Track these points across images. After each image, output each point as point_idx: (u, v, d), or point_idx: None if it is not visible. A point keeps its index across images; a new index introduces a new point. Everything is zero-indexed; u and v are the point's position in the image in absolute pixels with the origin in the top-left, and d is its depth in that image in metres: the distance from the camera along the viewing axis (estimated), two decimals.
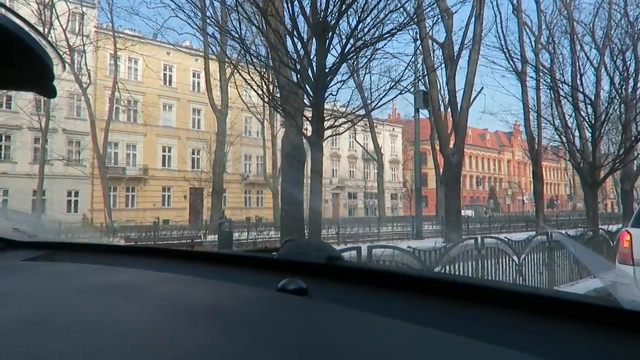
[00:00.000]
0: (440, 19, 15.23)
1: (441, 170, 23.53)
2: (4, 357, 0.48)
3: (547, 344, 0.62)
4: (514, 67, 21.41)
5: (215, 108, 25.18)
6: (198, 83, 32.99)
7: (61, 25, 22.91)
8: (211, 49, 20.87)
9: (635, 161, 21.84)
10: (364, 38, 9.14)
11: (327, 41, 8.59)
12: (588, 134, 17.37)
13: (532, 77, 21.22)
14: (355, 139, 39.09)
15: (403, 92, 11.47)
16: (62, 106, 26.40)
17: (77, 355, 0.50)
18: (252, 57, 9.83)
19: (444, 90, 21.26)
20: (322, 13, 8.49)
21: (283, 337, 0.58)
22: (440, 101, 20.66)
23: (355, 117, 10.84)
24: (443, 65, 18.83)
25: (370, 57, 12.33)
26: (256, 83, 9.51)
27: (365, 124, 29.63)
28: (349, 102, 11.99)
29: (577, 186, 49.42)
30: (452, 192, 18.41)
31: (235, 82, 14.36)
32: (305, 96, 9.05)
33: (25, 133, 26.18)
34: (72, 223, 22.88)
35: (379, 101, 10.79)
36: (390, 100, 16.44)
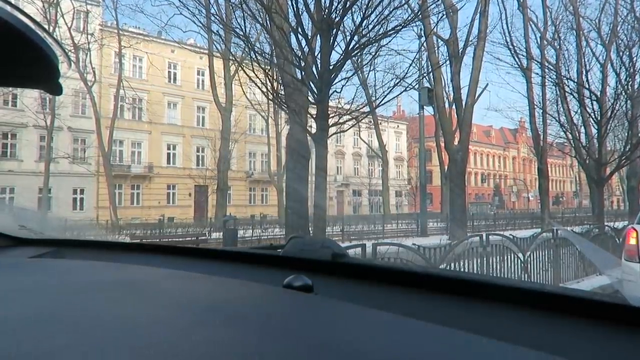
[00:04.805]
0: (444, 16, 15.16)
1: (446, 167, 23.45)
2: (12, 353, 0.49)
3: (552, 340, 0.61)
4: (519, 63, 21.30)
5: (220, 106, 25.19)
6: (202, 81, 33.00)
7: (66, 23, 22.96)
8: (215, 46, 20.83)
9: None
10: (368, 35, 9.13)
11: (332, 38, 8.59)
12: (594, 131, 17.31)
13: (537, 74, 21.14)
14: (359, 136, 39.04)
15: (408, 89, 11.47)
16: (68, 104, 26.46)
17: (85, 352, 0.50)
18: (256, 54, 9.84)
19: (448, 87, 21.20)
20: (327, 10, 8.48)
21: (289, 334, 0.58)
22: (445, 98, 20.59)
23: (360, 114, 10.83)
24: (448, 62, 18.76)
25: (375, 54, 12.38)
26: (260, 80, 9.52)
27: (370, 121, 29.59)
28: (353, 99, 12.00)
29: (582, 183, 49.17)
30: (457, 189, 18.36)
31: (239, 79, 14.35)
32: (309, 93, 9.05)
33: (31, 131, 26.28)
34: (78, 220, 23.03)
35: (383, 98, 10.76)
36: (394, 97, 16.41)
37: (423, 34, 16.66)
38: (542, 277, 7.71)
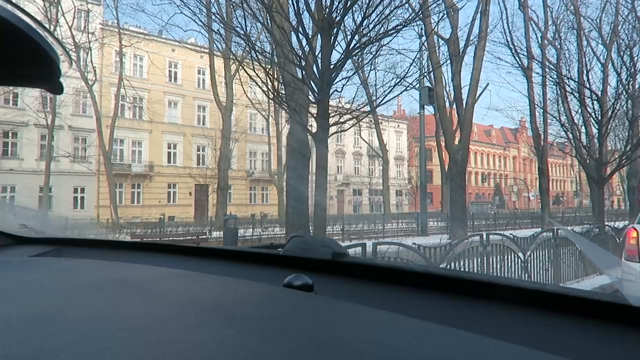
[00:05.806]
0: (445, 15, 15.15)
1: (446, 166, 23.44)
2: (14, 351, 0.49)
3: (552, 339, 0.61)
4: (520, 63, 21.27)
5: (220, 105, 25.17)
6: (203, 80, 33.01)
7: (67, 22, 22.94)
8: (216, 45, 20.81)
9: None
10: (369, 34, 9.12)
11: (332, 37, 8.59)
12: (594, 130, 17.29)
13: (538, 73, 21.09)
14: (360, 135, 39.05)
15: (408, 88, 11.44)
16: (68, 103, 26.50)
17: (86, 350, 0.51)
18: (257, 53, 9.83)
19: (449, 87, 21.16)
20: (327, 9, 8.47)
21: (289, 333, 0.58)
22: (446, 97, 20.56)
23: (360, 114, 10.82)
24: (448, 61, 18.74)
25: (376, 53, 12.35)
26: (261, 79, 9.51)
27: (371, 121, 29.58)
28: (354, 98, 11.99)
29: (583, 183, 49.20)
30: (458, 188, 18.35)
31: (240, 78, 14.36)
32: (310, 92, 9.05)
33: (31, 130, 26.30)
34: (79, 219, 23.03)
35: (384, 97, 10.75)
36: (395, 97, 16.41)
37: (424, 33, 16.64)
38: (542, 277, 7.70)
